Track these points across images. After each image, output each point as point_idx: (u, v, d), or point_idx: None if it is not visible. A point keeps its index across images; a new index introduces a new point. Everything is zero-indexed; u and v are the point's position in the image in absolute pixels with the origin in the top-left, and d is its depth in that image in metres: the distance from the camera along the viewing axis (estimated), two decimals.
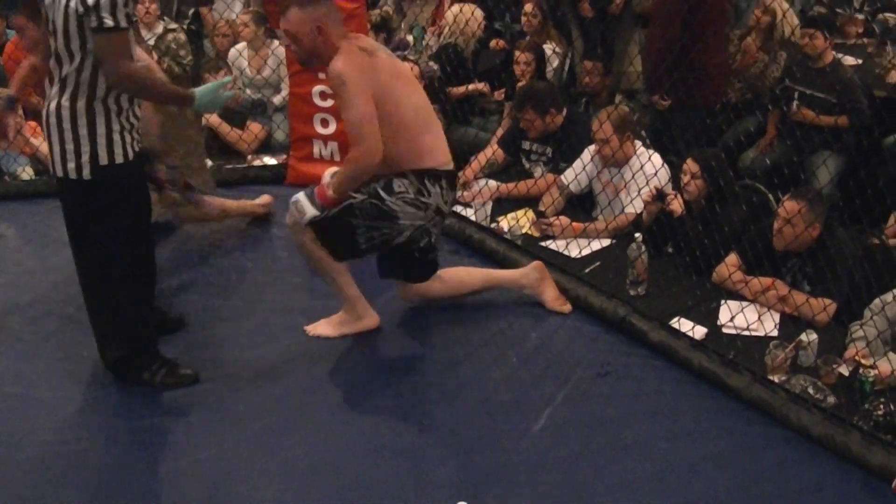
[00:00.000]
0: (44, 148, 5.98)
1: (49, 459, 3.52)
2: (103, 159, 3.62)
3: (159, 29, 7.20)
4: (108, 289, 3.81)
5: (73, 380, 4.01)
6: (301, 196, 4.04)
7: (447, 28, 7.07)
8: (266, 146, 6.73)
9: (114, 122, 3.63)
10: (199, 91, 3.77)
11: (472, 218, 5.25)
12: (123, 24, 3.50)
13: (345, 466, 3.45)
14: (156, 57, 6.99)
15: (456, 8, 7.05)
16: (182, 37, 7.22)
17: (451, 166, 4.13)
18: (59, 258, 4.85)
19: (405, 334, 4.38)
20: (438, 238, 4.26)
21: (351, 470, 3.43)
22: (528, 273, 4.50)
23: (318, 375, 4.05)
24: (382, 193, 4.00)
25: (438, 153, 4.07)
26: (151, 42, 7.11)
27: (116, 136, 3.63)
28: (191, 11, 7.68)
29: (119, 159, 3.64)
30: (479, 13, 7.06)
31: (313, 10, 3.88)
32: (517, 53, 6.50)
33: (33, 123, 6.24)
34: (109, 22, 3.46)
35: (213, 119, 6.40)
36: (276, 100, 6.88)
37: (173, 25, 7.30)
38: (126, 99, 3.66)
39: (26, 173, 6.19)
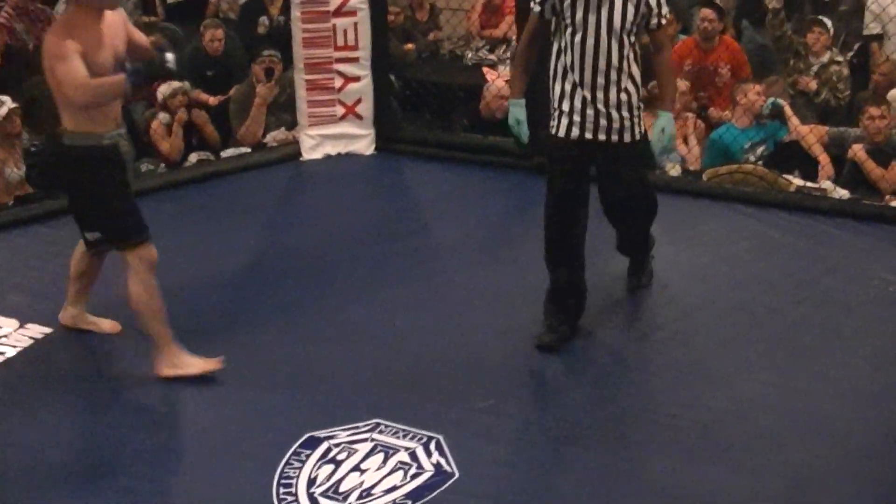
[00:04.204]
0: None
1: None
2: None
3: (825, 58, 7.32)
4: None
5: None
6: None
7: None
8: None
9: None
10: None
11: None
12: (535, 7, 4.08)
13: None
14: (815, 86, 7.17)
15: None
16: (845, 71, 7.29)
17: None
18: None
19: None
20: None
21: None
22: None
23: None
24: None
25: None
26: (814, 69, 7.28)
27: None
28: (857, 45, 7.65)
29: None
30: None
31: None
32: None
33: None
34: None
35: (860, 154, 6.29)
36: None
37: (839, 58, 7.36)
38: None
39: None
